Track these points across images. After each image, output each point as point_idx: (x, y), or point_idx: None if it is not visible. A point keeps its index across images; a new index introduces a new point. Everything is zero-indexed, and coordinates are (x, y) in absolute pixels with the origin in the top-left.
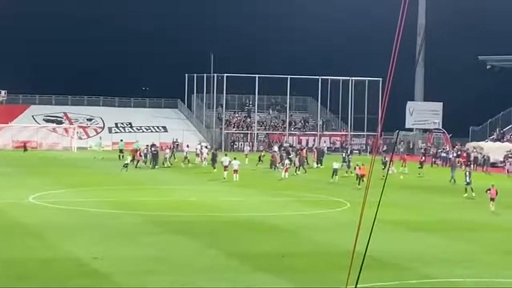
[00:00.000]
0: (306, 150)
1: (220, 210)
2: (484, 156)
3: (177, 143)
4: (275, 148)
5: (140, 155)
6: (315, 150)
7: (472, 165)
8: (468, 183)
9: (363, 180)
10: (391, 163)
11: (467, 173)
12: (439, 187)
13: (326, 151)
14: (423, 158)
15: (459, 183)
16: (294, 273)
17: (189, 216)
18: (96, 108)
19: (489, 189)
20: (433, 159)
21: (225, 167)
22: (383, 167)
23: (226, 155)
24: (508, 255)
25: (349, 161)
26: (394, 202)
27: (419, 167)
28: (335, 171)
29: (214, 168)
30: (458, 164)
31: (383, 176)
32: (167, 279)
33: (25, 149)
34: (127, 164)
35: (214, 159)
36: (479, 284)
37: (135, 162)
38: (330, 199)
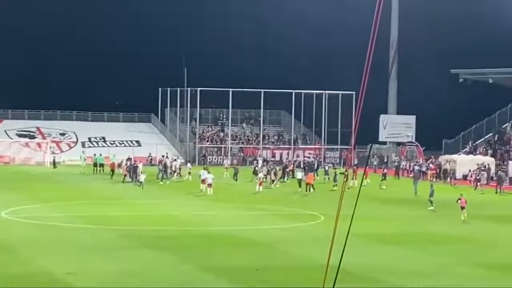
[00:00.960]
0: (293, 164)
1: (194, 225)
2: (451, 169)
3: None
4: (260, 162)
5: (128, 170)
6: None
7: (442, 178)
8: (430, 195)
9: (311, 189)
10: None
11: (431, 186)
12: (406, 199)
13: (315, 165)
14: (385, 170)
15: (420, 195)
16: (269, 286)
17: (163, 231)
18: (69, 123)
19: (459, 199)
20: (396, 171)
21: (203, 180)
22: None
23: (205, 168)
24: (476, 267)
25: (335, 174)
26: (365, 215)
27: (381, 179)
28: (299, 182)
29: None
30: (425, 178)
31: (333, 187)
32: None
33: None
34: (141, 182)
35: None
36: None
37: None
38: (304, 212)
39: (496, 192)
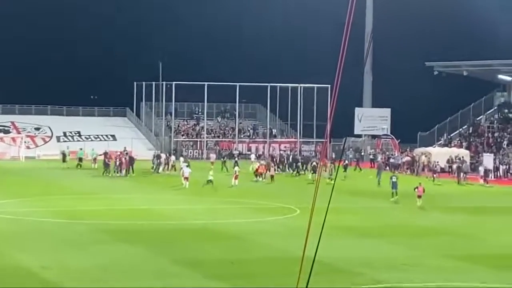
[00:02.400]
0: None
1: (170, 218)
2: (419, 161)
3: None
4: (253, 156)
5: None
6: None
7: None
8: (393, 188)
9: (262, 178)
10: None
11: (394, 177)
12: (382, 192)
13: (299, 158)
14: (346, 161)
15: (384, 185)
16: (245, 279)
17: (139, 225)
18: (44, 117)
19: (417, 187)
20: (357, 163)
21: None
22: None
23: (188, 165)
24: (454, 259)
25: (332, 168)
26: (340, 208)
27: (343, 171)
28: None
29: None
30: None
31: (330, 180)
32: (117, 287)
33: None
34: (211, 180)
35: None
36: None
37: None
38: (280, 205)
39: (458, 183)
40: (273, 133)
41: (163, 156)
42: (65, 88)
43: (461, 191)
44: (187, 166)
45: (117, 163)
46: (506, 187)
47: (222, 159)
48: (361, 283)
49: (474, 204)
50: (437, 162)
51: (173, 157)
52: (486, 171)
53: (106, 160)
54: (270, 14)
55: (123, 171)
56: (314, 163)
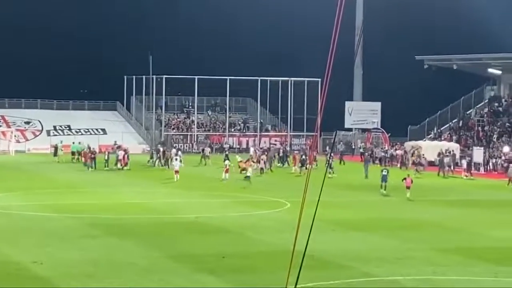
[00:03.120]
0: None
1: (161, 212)
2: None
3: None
4: (252, 149)
5: (128, 158)
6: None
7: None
8: (383, 181)
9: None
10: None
11: (384, 170)
12: (372, 185)
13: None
14: (331, 159)
15: (371, 178)
16: (236, 273)
17: (131, 219)
18: (34, 111)
19: (405, 179)
20: (341, 156)
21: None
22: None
23: (181, 161)
24: (444, 251)
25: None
26: (331, 202)
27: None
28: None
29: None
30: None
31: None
32: (108, 281)
33: None
34: (248, 176)
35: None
36: (420, 282)
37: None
38: (271, 199)
39: (438, 175)
40: (264, 127)
41: (161, 150)
42: (55, 82)
43: (443, 184)
44: (180, 160)
45: (106, 157)
46: (489, 180)
47: (201, 152)
48: (352, 276)
49: (460, 197)
50: (423, 155)
51: (174, 150)
52: (469, 164)
53: (91, 154)
54: (261, 8)
55: (118, 164)
56: (303, 157)
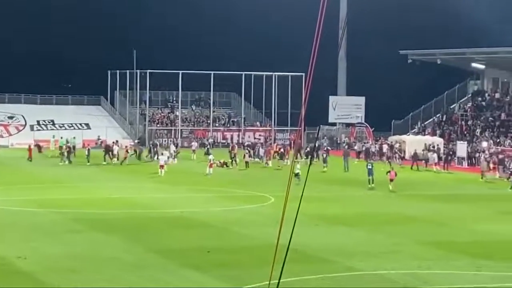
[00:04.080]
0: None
1: (146, 207)
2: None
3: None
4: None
5: (127, 152)
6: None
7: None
8: (369, 175)
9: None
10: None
11: (369, 165)
12: (354, 180)
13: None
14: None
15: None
16: (221, 268)
17: (115, 214)
18: (18, 106)
19: (389, 171)
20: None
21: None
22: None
23: (162, 153)
24: (428, 245)
25: (325, 156)
26: (315, 196)
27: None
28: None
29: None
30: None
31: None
32: (93, 277)
33: None
34: (298, 174)
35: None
36: (404, 276)
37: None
38: (254, 194)
39: (411, 168)
40: (248, 121)
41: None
42: (39, 76)
43: (425, 178)
44: (161, 154)
45: (86, 152)
46: (471, 174)
47: (175, 147)
48: (335, 271)
49: (443, 192)
50: (397, 149)
51: (172, 147)
52: (440, 158)
53: (67, 149)
54: (244, 2)
55: (114, 159)
56: (282, 150)
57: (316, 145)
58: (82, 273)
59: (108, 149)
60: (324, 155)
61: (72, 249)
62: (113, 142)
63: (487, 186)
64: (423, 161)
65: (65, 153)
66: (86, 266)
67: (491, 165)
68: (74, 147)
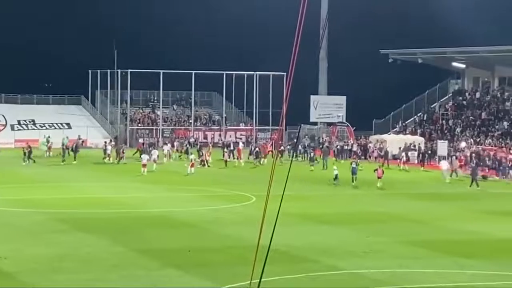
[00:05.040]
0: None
1: (128, 207)
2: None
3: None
4: (240, 144)
5: (123, 152)
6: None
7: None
8: (353, 174)
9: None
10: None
11: (353, 163)
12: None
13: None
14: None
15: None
16: (202, 267)
17: (97, 213)
18: None
19: (377, 169)
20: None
21: (144, 164)
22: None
23: (149, 152)
24: (410, 244)
25: (312, 156)
26: (297, 196)
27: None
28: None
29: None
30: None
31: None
32: (75, 277)
33: None
34: (337, 175)
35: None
36: (385, 275)
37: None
38: (236, 193)
39: (387, 166)
40: (229, 121)
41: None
42: (20, 76)
43: (406, 177)
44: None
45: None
46: (437, 172)
47: (148, 148)
48: (317, 270)
49: (424, 191)
50: (373, 148)
51: (166, 146)
52: (408, 156)
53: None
54: (225, 2)
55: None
56: (257, 149)
57: (298, 143)
58: (64, 273)
59: (77, 149)
60: (312, 154)
61: (54, 249)
62: (105, 142)
63: (459, 184)
64: (400, 160)
65: (48, 153)
66: (68, 266)
67: (458, 163)
68: (67, 146)
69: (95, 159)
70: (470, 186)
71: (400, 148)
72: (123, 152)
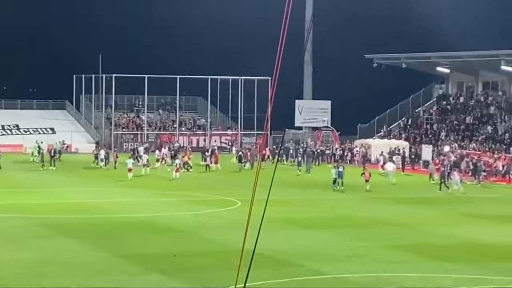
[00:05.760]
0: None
1: (111, 212)
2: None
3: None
4: (233, 149)
5: (117, 156)
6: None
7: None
8: (339, 177)
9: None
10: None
11: (340, 167)
12: (321, 184)
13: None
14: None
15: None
16: (187, 273)
17: (80, 218)
18: None
19: (364, 173)
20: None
21: (129, 169)
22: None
23: (130, 157)
24: (394, 249)
25: (298, 160)
26: (282, 200)
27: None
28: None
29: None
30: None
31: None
32: (58, 281)
33: None
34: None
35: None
36: (369, 279)
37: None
38: (221, 198)
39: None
40: (214, 125)
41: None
42: (3, 80)
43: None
44: (129, 158)
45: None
46: (421, 176)
47: (134, 151)
48: (301, 274)
49: (408, 195)
50: (356, 151)
51: (164, 150)
52: (385, 160)
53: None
54: (210, 6)
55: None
56: (240, 153)
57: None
58: (47, 278)
59: (54, 154)
60: (299, 158)
61: (37, 255)
62: (96, 146)
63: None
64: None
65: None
66: (51, 271)
67: (434, 167)
68: (60, 151)
69: (80, 164)
70: (440, 189)
71: (382, 152)
72: (116, 157)
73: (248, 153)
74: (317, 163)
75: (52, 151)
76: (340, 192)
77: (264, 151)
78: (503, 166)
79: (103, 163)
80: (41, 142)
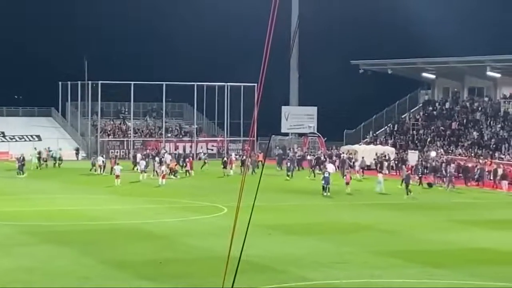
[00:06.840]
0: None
1: (97, 219)
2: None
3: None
4: (232, 154)
5: (116, 163)
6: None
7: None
8: (326, 183)
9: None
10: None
11: (326, 173)
12: (307, 190)
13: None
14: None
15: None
16: (173, 279)
17: (65, 226)
18: None
19: (345, 175)
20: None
21: (117, 176)
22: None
23: (118, 163)
24: (380, 254)
25: (288, 165)
26: (267, 206)
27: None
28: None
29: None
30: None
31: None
32: None
33: None
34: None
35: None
36: (354, 285)
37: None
38: (207, 204)
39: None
40: (200, 131)
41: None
42: None
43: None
44: (117, 164)
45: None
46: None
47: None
48: (287, 280)
49: (393, 201)
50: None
51: (168, 156)
52: (363, 166)
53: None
54: (196, 13)
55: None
56: (225, 159)
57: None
58: (33, 286)
59: (23, 161)
60: (288, 164)
61: (23, 262)
62: (96, 154)
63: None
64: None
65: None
66: (37, 279)
67: (406, 171)
68: (60, 158)
69: (66, 171)
70: (407, 194)
71: (362, 157)
72: (115, 163)
73: (249, 159)
74: (298, 168)
75: (21, 158)
76: (328, 198)
77: (259, 156)
78: (488, 171)
79: (100, 169)
80: (40, 151)
